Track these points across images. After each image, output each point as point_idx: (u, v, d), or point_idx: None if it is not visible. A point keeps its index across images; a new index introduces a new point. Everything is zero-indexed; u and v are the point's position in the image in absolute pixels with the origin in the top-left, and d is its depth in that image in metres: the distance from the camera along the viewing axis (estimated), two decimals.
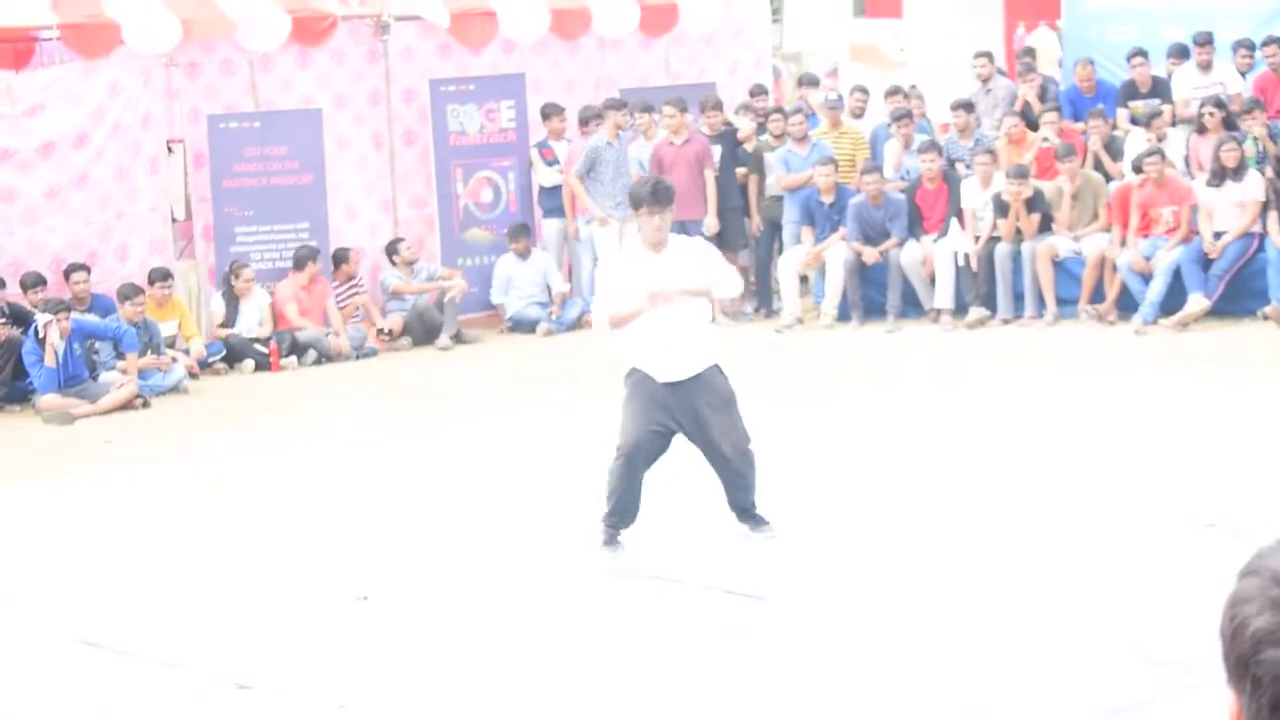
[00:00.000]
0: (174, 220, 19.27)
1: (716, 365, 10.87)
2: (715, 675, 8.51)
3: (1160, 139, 19.12)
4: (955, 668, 8.41)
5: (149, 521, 12.24)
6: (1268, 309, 17.33)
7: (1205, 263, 17.69)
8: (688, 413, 10.68)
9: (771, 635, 9.11)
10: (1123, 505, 10.92)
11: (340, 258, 19.68)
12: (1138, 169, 18.42)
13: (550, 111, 20.66)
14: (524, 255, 20.22)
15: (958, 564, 10.10)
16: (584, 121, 20.79)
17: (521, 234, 20.26)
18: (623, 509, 10.80)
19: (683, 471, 11.20)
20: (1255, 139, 18.34)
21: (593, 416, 14.97)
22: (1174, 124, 19.71)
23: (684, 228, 19.78)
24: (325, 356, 18.78)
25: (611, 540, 10.83)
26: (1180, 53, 20.55)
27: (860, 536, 10.73)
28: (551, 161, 20.63)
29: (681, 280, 10.70)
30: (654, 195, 10.72)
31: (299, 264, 19.08)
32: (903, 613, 9.30)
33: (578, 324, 20.10)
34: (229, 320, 18.83)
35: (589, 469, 13.02)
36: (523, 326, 20.12)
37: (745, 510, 10.98)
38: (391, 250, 19.99)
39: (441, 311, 19.68)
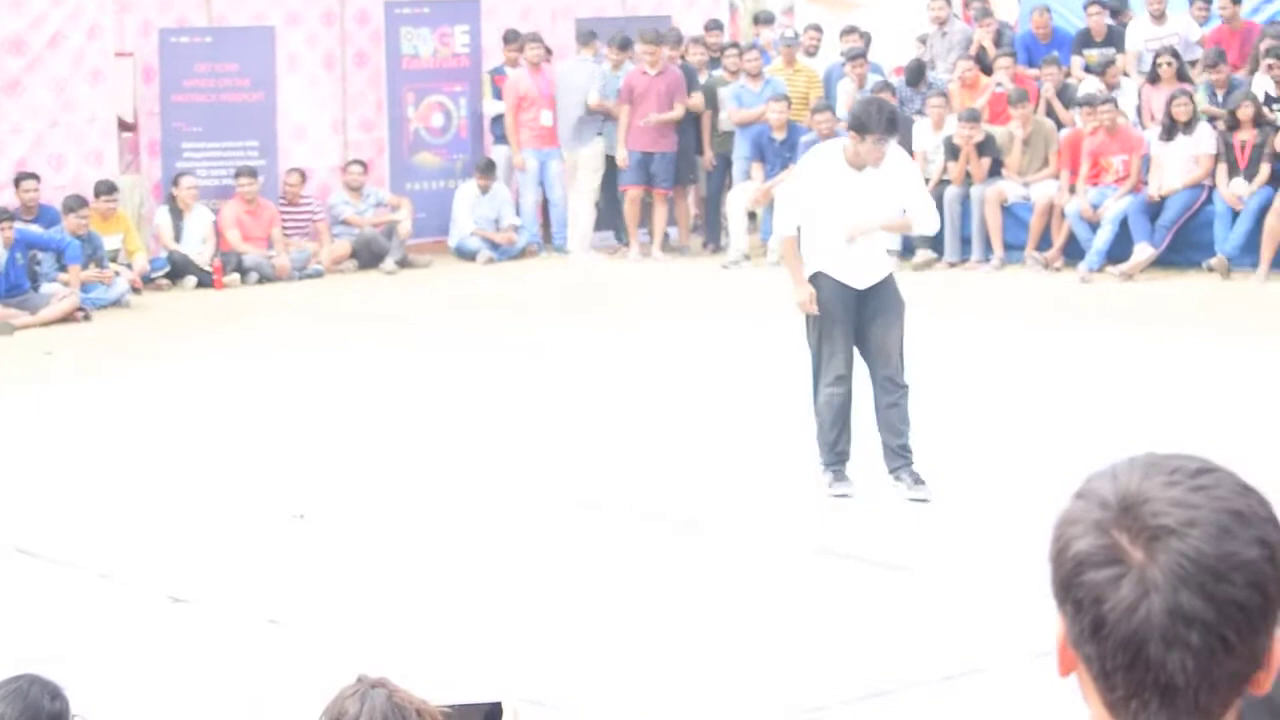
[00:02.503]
0: (121, 125, 19.14)
1: (893, 273, 10.60)
2: (613, 588, 8.55)
3: (1113, 87, 19.18)
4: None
5: (87, 434, 12.18)
6: (1213, 260, 17.40)
7: (1153, 213, 17.74)
8: (868, 321, 10.33)
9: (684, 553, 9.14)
10: (1048, 448, 10.93)
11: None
12: (1086, 103, 18.48)
13: (511, 38, 20.57)
14: (485, 190, 20.15)
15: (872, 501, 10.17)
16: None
17: (489, 170, 20.19)
18: (846, 439, 10.37)
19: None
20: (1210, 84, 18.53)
21: (534, 340, 14.99)
22: (1126, 74, 19.75)
23: (651, 159, 19.91)
24: (268, 278, 18.72)
25: (842, 476, 10.35)
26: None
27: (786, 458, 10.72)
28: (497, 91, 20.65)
29: (879, 211, 10.29)
30: (891, 124, 10.25)
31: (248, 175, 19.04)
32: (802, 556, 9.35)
33: (522, 254, 20.14)
34: (176, 235, 18.72)
35: (527, 391, 13.08)
36: (466, 255, 20.08)
37: (899, 450, 10.36)
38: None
39: (389, 238, 19.63)
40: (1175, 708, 1.87)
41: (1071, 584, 1.90)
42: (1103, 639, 1.87)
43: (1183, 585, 1.83)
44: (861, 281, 10.31)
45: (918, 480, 10.29)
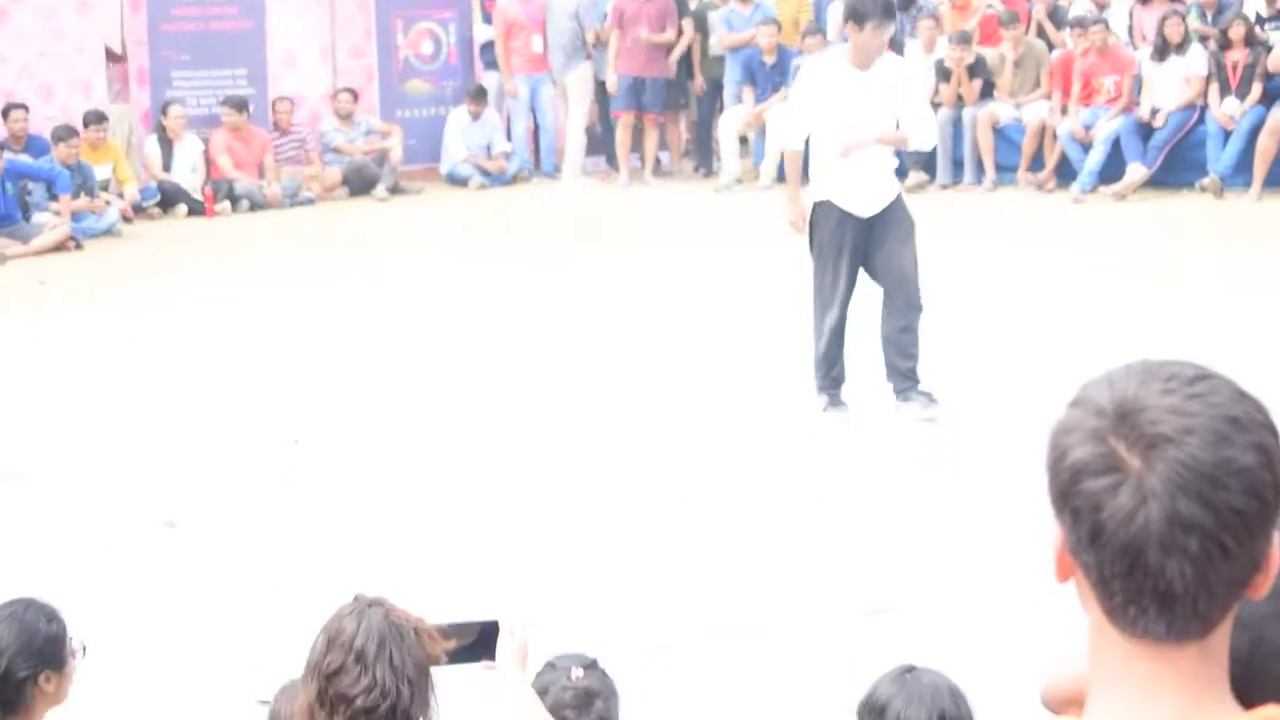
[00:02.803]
0: (109, 56, 19.05)
1: (901, 194, 10.49)
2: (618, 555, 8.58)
3: (1103, 8, 19.12)
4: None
5: (82, 363, 12.18)
6: (1205, 181, 17.38)
7: (1145, 133, 17.72)
8: (877, 245, 10.22)
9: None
10: (1044, 366, 10.95)
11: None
12: (1077, 24, 18.46)
13: None
14: (477, 117, 20.10)
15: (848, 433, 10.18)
16: None
17: (480, 97, 20.12)
18: (841, 364, 10.35)
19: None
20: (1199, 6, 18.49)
21: (527, 267, 14.97)
22: None
23: (643, 84, 19.82)
24: (259, 206, 18.69)
25: (837, 400, 10.40)
26: None
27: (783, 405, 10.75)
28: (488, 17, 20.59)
29: (875, 124, 10.13)
30: (888, 10, 10.09)
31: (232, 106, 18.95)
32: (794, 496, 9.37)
33: (514, 180, 20.11)
34: (166, 164, 18.68)
35: (520, 319, 13.07)
36: (458, 182, 20.05)
37: (908, 373, 10.35)
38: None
39: (380, 166, 19.60)
40: (1173, 614, 1.88)
41: (1069, 492, 1.90)
42: (1101, 546, 1.88)
43: (1180, 492, 1.83)
44: (867, 209, 10.23)
45: (930, 400, 10.28)
